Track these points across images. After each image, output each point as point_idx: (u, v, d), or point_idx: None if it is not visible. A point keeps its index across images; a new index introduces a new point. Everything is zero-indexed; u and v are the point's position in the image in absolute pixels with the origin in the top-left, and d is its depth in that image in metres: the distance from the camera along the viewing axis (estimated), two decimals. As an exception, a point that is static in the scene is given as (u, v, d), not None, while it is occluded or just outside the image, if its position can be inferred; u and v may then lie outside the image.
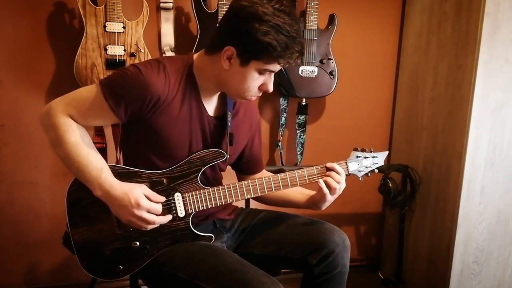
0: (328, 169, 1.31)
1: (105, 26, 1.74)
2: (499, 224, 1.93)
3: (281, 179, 1.29)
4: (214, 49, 1.19)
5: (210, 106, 1.30)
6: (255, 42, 1.11)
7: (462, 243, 1.90)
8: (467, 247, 1.91)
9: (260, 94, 1.24)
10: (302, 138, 2.18)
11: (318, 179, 1.30)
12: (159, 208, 1.18)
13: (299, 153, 2.18)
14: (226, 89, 1.24)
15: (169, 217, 1.22)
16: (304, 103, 2.13)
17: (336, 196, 1.31)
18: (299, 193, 1.41)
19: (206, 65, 1.23)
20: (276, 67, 1.17)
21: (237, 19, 1.13)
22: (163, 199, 1.22)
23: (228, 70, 1.17)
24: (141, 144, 1.25)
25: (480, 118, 1.79)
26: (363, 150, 1.36)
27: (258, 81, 1.19)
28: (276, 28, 1.10)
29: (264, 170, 1.53)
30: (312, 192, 1.37)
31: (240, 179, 1.50)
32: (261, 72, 1.17)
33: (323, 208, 1.34)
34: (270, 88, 1.22)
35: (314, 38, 1.99)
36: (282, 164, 2.17)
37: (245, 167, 1.47)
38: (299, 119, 2.15)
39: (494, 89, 1.78)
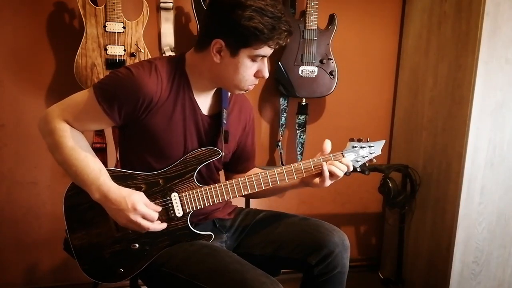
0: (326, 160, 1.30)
1: (105, 26, 1.74)
2: (499, 224, 1.93)
3: (277, 173, 1.28)
4: (203, 45, 1.19)
5: (204, 104, 1.30)
6: (241, 29, 1.10)
7: (462, 243, 1.90)
8: (467, 247, 1.91)
9: (257, 82, 1.24)
10: (302, 138, 2.18)
11: (315, 171, 1.29)
12: (155, 216, 1.19)
13: (299, 153, 2.18)
14: (222, 82, 1.24)
15: (163, 225, 1.22)
16: (304, 103, 2.12)
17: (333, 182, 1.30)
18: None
19: (198, 63, 1.23)
20: (267, 51, 1.16)
21: (219, 10, 1.13)
22: (159, 208, 1.22)
23: (220, 63, 1.17)
24: (137, 146, 1.25)
25: (480, 118, 1.79)
26: (359, 140, 1.35)
27: (252, 69, 1.19)
28: (260, 11, 1.09)
29: (255, 169, 1.51)
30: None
31: (228, 177, 1.49)
32: (253, 58, 1.16)
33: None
34: (266, 73, 1.21)
35: (314, 38, 1.99)
36: (282, 164, 2.16)
37: (235, 165, 1.46)
38: (299, 119, 2.15)
39: (494, 89, 1.78)
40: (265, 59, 1.20)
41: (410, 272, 2.22)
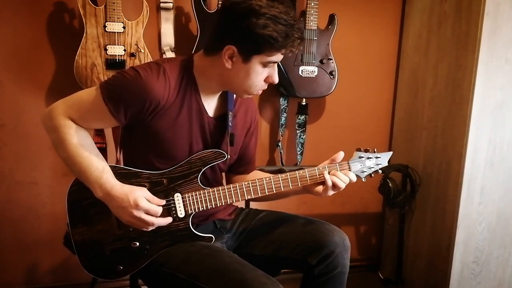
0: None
1: (105, 26, 1.74)
2: (499, 224, 1.93)
3: (282, 179, 1.28)
4: (214, 50, 1.19)
5: (210, 106, 1.29)
6: (255, 37, 1.10)
7: (462, 243, 1.90)
8: (467, 247, 1.91)
9: (266, 87, 1.25)
10: (302, 138, 2.18)
11: (319, 179, 1.29)
12: (158, 210, 1.18)
13: (299, 153, 2.18)
14: (231, 87, 1.24)
15: (169, 219, 1.22)
16: (304, 103, 2.13)
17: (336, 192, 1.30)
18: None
19: (207, 66, 1.23)
20: (279, 58, 1.18)
21: (232, 17, 1.13)
22: (163, 202, 1.21)
23: (231, 69, 1.17)
24: (141, 146, 1.25)
25: (480, 118, 1.79)
26: (366, 151, 1.34)
27: (263, 75, 1.20)
28: (274, 19, 1.10)
29: (255, 171, 1.52)
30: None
31: (229, 178, 1.50)
32: (265, 65, 1.17)
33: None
34: (276, 79, 1.22)
35: (314, 38, 1.99)
36: (282, 164, 2.17)
37: (236, 167, 1.46)
38: (299, 119, 2.15)
39: (494, 89, 1.78)
40: (275, 64, 1.21)
41: (410, 272, 2.22)
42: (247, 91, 1.23)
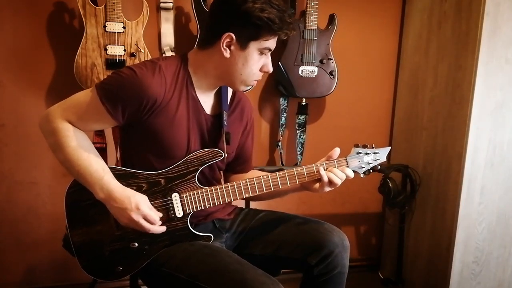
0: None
1: (105, 26, 1.74)
2: (499, 224, 1.93)
3: (279, 177, 1.28)
4: (210, 41, 1.20)
5: (207, 104, 1.30)
6: (254, 20, 1.14)
7: (462, 243, 1.90)
8: (467, 247, 1.91)
9: (261, 78, 1.27)
10: (302, 138, 2.18)
11: (317, 176, 1.29)
12: (156, 218, 1.19)
13: (299, 153, 2.18)
14: (229, 78, 1.25)
15: (163, 228, 1.22)
16: (304, 103, 2.12)
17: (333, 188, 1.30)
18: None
19: (203, 61, 1.23)
20: (274, 44, 1.22)
21: (229, 4, 1.17)
22: (160, 214, 1.22)
23: (229, 58, 1.19)
24: (139, 145, 1.25)
25: (480, 118, 1.79)
26: (364, 146, 1.34)
27: (259, 63, 1.23)
28: (268, 3, 1.16)
29: (253, 170, 1.52)
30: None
31: (226, 177, 1.50)
32: (261, 51, 1.21)
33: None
34: (271, 68, 1.25)
35: (314, 38, 1.99)
36: (282, 164, 2.17)
37: (234, 166, 1.46)
38: (299, 119, 2.15)
39: (494, 89, 1.78)
40: (269, 54, 1.24)
41: (410, 272, 2.22)
42: (245, 81, 1.24)
